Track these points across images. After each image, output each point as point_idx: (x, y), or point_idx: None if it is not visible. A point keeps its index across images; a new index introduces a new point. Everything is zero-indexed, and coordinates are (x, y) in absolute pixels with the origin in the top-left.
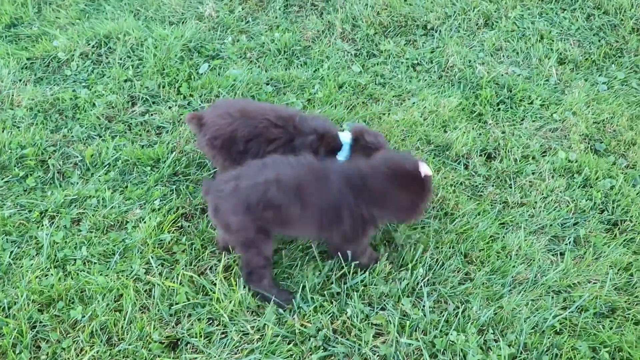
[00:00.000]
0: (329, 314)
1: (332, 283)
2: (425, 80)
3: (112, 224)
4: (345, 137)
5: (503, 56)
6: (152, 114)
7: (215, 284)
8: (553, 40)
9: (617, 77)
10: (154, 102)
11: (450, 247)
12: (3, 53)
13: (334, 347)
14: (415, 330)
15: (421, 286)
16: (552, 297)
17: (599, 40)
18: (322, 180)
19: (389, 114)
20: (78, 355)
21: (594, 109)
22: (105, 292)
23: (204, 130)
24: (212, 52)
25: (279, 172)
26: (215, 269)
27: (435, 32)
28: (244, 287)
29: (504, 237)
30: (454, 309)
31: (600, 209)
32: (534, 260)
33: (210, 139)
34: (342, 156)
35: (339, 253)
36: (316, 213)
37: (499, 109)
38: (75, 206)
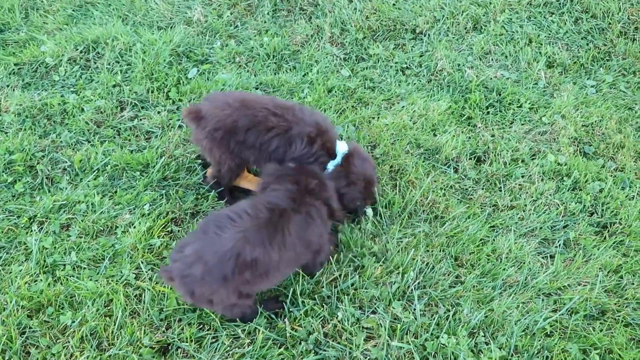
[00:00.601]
0: (320, 318)
1: (322, 287)
2: (415, 84)
3: (102, 229)
4: (342, 147)
5: (492, 60)
6: (141, 119)
7: None
8: (542, 44)
9: (605, 81)
10: (142, 107)
11: (440, 251)
12: None
13: (325, 350)
14: (406, 334)
15: (412, 289)
16: (543, 300)
17: (587, 44)
18: (281, 211)
19: (378, 117)
20: None
21: (582, 112)
22: (95, 297)
23: (203, 123)
24: (201, 56)
25: (241, 229)
26: None
27: (424, 36)
28: None
29: (494, 240)
30: (444, 312)
31: (590, 212)
32: (524, 263)
33: (211, 131)
34: (332, 165)
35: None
36: (293, 247)
37: (488, 113)
38: (64, 211)
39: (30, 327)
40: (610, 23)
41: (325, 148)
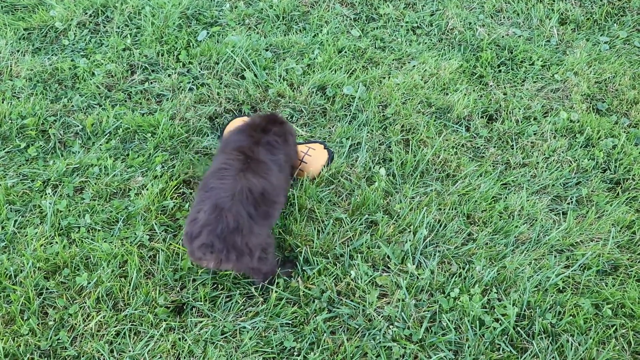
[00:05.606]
0: (333, 276)
1: (335, 246)
2: (425, 43)
3: (115, 191)
4: None
5: (503, 18)
6: (151, 82)
7: None
8: (554, 1)
9: (619, 37)
10: (153, 71)
11: (452, 209)
12: (0, 24)
13: (338, 308)
14: (420, 291)
15: (425, 247)
16: (555, 256)
17: (601, 0)
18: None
19: (389, 77)
20: (85, 321)
21: (595, 68)
22: (110, 258)
23: None
24: (210, 19)
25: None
26: None
27: None
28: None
29: (506, 197)
30: (457, 270)
31: (603, 168)
32: (536, 220)
33: None
34: None
35: None
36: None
37: (499, 71)
38: (77, 175)
39: (47, 288)
40: None
41: None
